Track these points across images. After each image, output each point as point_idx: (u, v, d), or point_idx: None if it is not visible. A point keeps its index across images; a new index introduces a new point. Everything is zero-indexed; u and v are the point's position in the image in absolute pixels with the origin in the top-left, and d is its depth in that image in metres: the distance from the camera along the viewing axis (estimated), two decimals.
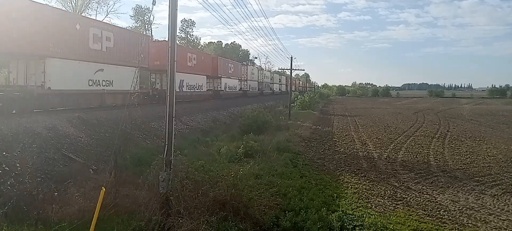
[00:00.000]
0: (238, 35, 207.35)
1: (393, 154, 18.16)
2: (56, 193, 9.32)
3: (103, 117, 17.62)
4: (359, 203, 10.50)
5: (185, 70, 30.70)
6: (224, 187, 8.48)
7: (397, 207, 10.33)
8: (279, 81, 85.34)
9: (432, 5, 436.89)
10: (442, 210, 10.12)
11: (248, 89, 54.00)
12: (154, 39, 34.22)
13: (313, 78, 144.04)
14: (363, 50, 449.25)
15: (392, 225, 8.92)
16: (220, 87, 41.65)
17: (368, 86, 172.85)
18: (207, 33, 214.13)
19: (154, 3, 8.78)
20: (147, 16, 66.22)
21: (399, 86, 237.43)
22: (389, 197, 11.22)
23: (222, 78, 41.89)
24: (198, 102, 32.23)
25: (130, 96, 9.86)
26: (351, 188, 12.06)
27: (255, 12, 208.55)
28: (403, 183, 12.74)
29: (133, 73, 19.70)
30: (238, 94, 48.22)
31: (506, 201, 10.98)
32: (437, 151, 19.09)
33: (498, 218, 9.59)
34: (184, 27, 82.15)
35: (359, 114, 42.90)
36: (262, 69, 72.46)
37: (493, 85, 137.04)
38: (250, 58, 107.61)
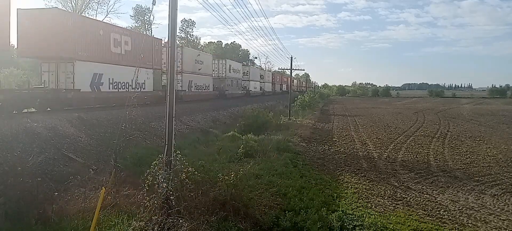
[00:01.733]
0: (238, 35, 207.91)
1: (393, 153, 18.16)
2: (56, 193, 9.30)
3: (103, 117, 17.62)
4: (359, 203, 10.51)
5: None
6: (224, 187, 8.49)
7: (397, 207, 10.34)
8: (261, 79, 63.51)
9: (432, 5, 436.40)
10: (442, 210, 10.12)
11: (186, 89, 32.15)
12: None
13: (313, 78, 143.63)
14: (363, 50, 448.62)
15: (392, 225, 8.92)
16: (97, 84, 20.59)
17: (368, 86, 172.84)
18: (207, 33, 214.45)
19: (154, 3, 8.77)
20: (147, 16, 66.30)
21: (399, 86, 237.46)
22: (389, 197, 11.22)
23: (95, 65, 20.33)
24: None
25: (131, 97, 9.84)
26: (351, 188, 12.06)
27: (255, 12, 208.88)
28: (403, 183, 12.74)
29: None
30: (155, 98, 25.14)
31: (506, 201, 10.99)
32: (437, 151, 19.09)
33: (498, 218, 9.60)
34: (184, 27, 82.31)
35: (359, 114, 42.91)
36: (224, 59, 47.62)
37: (493, 85, 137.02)
38: (250, 58, 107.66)
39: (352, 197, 11.01)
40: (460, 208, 10.32)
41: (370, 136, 24.15)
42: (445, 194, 11.57)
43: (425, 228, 8.87)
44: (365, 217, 9.33)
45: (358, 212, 9.73)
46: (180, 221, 7.22)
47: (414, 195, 11.46)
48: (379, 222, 9.00)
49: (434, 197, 11.28)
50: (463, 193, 11.72)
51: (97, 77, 20.81)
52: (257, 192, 9.79)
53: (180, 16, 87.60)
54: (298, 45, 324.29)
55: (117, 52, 22.50)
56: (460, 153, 18.55)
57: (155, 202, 7.65)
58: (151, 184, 8.02)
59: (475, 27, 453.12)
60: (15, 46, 25.37)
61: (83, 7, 48.39)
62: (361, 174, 14.00)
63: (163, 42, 30.67)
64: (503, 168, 15.29)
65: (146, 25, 66.35)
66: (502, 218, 9.57)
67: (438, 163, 16.20)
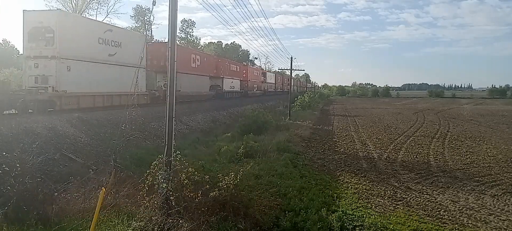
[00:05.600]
0: (238, 35, 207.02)
1: (393, 154, 18.15)
2: (56, 193, 9.30)
3: (103, 117, 17.62)
4: (359, 203, 10.50)
5: None
6: (224, 187, 8.47)
7: (397, 207, 10.33)
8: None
9: (432, 5, 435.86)
10: (442, 210, 10.12)
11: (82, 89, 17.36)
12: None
13: (313, 78, 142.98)
14: (363, 50, 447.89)
15: (392, 225, 8.91)
16: None
17: (368, 86, 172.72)
18: (208, 33, 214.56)
19: (154, 3, 8.76)
20: (147, 17, 66.16)
21: (399, 86, 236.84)
22: (389, 197, 11.21)
23: None
24: None
25: (131, 97, 9.85)
26: (351, 188, 12.05)
27: (255, 12, 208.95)
28: (403, 183, 12.74)
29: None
30: None
31: (506, 201, 10.98)
32: (437, 151, 19.08)
33: (498, 218, 9.59)
34: (184, 28, 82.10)
35: (359, 115, 42.90)
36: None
37: (493, 85, 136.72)
38: (250, 58, 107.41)
39: (352, 197, 11.00)
40: (460, 208, 10.31)
41: (370, 136, 24.14)
42: (445, 194, 11.57)
43: (425, 229, 8.86)
44: (365, 217, 9.32)
45: (358, 212, 9.72)
46: (180, 221, 7.22)
47: (414, 195, 11.45)
48: (379, 223, 8.99)
49: (434, 197, 11.27)
50: (463, 193, 11.71)
51: None
52: (257, 192, 9.78)
53: (180, 17, 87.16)
54: (298, 45, 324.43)
55: None
56: (460, 153, 18.54)
57: (155, 202, 7.66)
58: (151, 184, 8.02)
59: (475, 27, 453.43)
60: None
61: (84, 7, 48.35)
62: (361, 174, 13.99)
63: None
64: (503, 168, 15.28)
65: (146, 26, 66.31)
66: (502, 218, 9.56)
67: (438, 163, 16.19)
